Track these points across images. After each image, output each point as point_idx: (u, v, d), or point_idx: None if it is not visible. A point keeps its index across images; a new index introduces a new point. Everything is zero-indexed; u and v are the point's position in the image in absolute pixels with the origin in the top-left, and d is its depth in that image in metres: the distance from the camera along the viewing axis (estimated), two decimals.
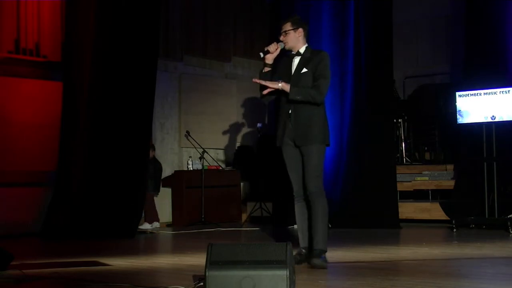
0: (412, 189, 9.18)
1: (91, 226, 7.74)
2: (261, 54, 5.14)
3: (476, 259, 5.58)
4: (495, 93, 7.66)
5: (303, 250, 5.27)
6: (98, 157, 7.97)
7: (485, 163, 7.80)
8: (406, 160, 10.03)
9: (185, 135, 9.42)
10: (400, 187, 8.90)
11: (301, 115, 5.12)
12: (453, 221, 7.69)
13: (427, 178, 9.17)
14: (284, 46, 5.19)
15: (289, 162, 5.26)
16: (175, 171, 9.65)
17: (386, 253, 5.96)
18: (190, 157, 9.80)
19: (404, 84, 11.26)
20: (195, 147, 9.49)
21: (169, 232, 8.62)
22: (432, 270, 4.94)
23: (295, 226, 5.42)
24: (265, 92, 5.13)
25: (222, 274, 3.84)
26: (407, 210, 8.70)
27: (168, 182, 9.57)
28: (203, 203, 9.32)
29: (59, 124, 8.27)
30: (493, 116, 7.66)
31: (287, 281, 3.80)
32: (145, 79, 8.02)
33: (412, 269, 5.10)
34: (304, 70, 5.13)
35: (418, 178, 9.21)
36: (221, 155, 10.52)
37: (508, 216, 7.45)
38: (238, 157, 10.57)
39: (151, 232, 8.51)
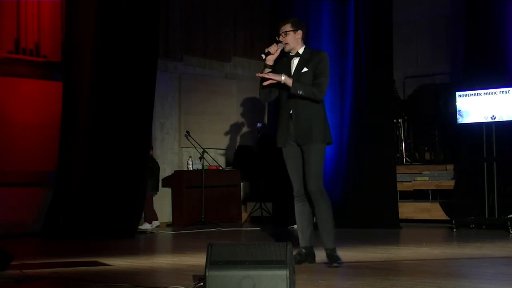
0: (412, 189, 9.18)
1: (91, 226, 7.74)
2: (263, 56, 5.18)
3: (476, 259, 5.58)
4: (495, 93, 7.66)
5: (303, 250, 5.28)
6: (98, 157, 7.97)
7: (485, 163, 7.80)
8: (406, 160, 10.03)
9: (185, 135, 9.42)
10: (400, 187, 8.90)
11: (303, 115, 5.15)
12: (453, 221, 7.69)
13: (427, 178, 9.17)
14: (284, 47, 5.22)
15: (290, 162, 5.28)
16: (175, 171, 9.65)
17: (386, 253, 5.96)
18: (190, 157, 9.80)
19: (404, 84, 11.26)
20: (195, 147, 9.49)
21: (169, 232, 8.62)
22: (432, 270, 4.94)
23: (295, 226, 5.43)
24: (265, 83, 5.16)
25: (222, 274, 3.84)
26: (407, 210, 8.70)
27: (168, 182, 9.57)
28: (203, 203, 9.32)
29: (59, 124, 8.27)
30: (493, 116, 7.66)
31: (287, 281, 3.80)
32: (145, 79, 8.03)
33: (412, 269, 5.10)
34: (305, 69, 5.17)
35: (418, 178, 9.21)
36: (221, 155, 10.52)
37: (508, 216, 7.45)
38: (238, 157, 10.57)
39: (151, 232, 8.51)
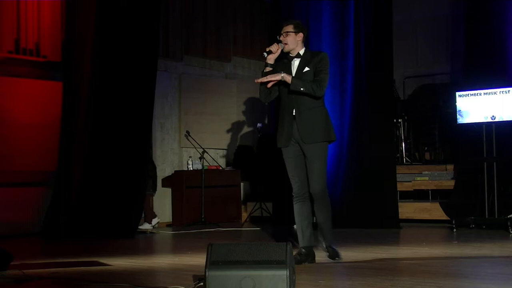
0: (412, 189, 9.18)
1: (91, 226, 7.74)
2: (265, 54, 5.26)
3: (476, 259, 5.59)
4: (495, 93, 7.66)
5: (303, 250, 5.29)
6: (98, 157, 7.97)
7: (485, 163, 7.80)
8: (406, 160, 10.04)
9: (185, 135, 9.42)
10: (400, 187, 8.90)
11: (306, 114, 5.22)
12: (453, 221, 7.69)
13: (427, 178, 9.17)
14: (284, 48, 5.29)
15: (291, 161, 5.32)
16: (175, 171, 9.65)
17: (386, 253, 5.96)
18: (190, 157, 9.80)
19: (404, 84, 11.26)
20: (195, 147, 9.49)
21: (169, 232, 8.61)
22: (432, 270, 4.94)
23: (295, 226, 5.44)
24: (269, 85, 5.24)
25: (222, 274, 3.84)
26: (407, 210, 8.70)
27: (168, 182, 9.57)
28: (203, 203, 9.32)
29: (59, 124, 8.27)
30: (493, 116, 7.66)
31: (287, 281, 3.80)
32: (145, 79, 8.02)
33: (412, 269, 5.10)
34: (307, 69, 5.25)
35: (418, 178, 9.21)
36: (221, 155, 10.52)
37: (508, 216, 7.45)
38: (238, 157, 10.57)
39: (151, 232, 8.51)
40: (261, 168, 9.97)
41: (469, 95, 7.83)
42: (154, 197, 9.19)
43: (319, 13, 8.74)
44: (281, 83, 5.24)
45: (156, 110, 8.90)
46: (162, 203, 9.45)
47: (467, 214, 8.00)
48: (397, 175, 8.61)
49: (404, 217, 8.54)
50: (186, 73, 10.04)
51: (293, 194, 5.35)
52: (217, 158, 10.18)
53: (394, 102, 9.38)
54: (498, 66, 8.33)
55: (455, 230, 7.57)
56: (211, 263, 3.88)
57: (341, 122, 8.48)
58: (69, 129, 8.21)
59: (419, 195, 9.26)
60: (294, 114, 5.24)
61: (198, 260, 5.44)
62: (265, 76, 5.24)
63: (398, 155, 9.92)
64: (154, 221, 8.88)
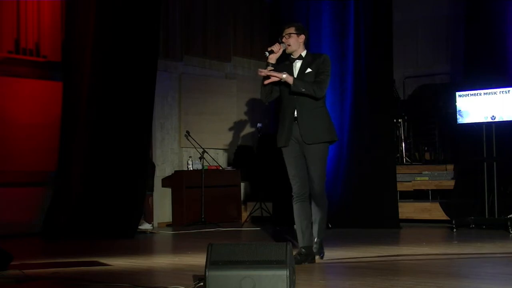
0: (412, 189, 9.17)
1: (91, 226, 7.74)
2: (267, 53, 5.31)
3: (476, 259, 5.59)
4: (495, 93, 7.66)
5: (303, 250, 5.29)
6: (98, 157, 7.97)
7: (485, 163, 7.80)
8: (406, 160, 10.03)
9: (185, 135, 9.42)
10: (400, 187, 8.90)
11: (308, 115, 5.27)
12: (453, 221, 7.69)
13: (427, 178, 9.17)
14: (286, 48, 5.35)
15: (292, 160, 5.36)
16: (175, 171, 9.65)
17: (386, 253, 5.96)
18: (190, 157, 9.80)
19: (404, 84, 11.26)
20: (195, 147, 9.49)
21: (169, 232, 8.61)
22: (432, 270, 4.94)
23: (295, 226, 5.46)
24: (266, 81, 5.27)
25: (222, 274, 3.84)
26: (407, 210, 8.70)
27: (168, 182, 9.56)
28: (203, 203, 9.32)
29: (59, 124, 8.27)
30: (493, 116, 7.66)
31: (287, 281, 3.80)
32: (145, 79, 8.02)
33: (412, 269, 5.11)
34: (309, 70, 5.31)
35: (418, 178, 9.21)
36: (221, 155, 10.52)
37: (508, 216, 7.45)
38: (238, 157, 10.57)
39: (151, 232, 8.50)
40: (261, 168, 9.97)
41: (469, 95, 7.83)
42: (153, 197, 9.19)
43: (319, 13, 8.74)
44: (282, 83, 5.29)
45: (156, 110, 8.90)
46: (162, 203, 9.45)
47: (467, 214, 8.00)
48: (397, 175, 8.61)
49: (404, 217, 8.54)
50: (186, 73, 10.04)
51: (293, 194, 5.38)
52: (217, 158, 10.18)
53: (394, 102, 9.38)
54: (498, 66, 8.33)
55: (455, 230, 7.57)
56: (211, 263, 3.89)
57: (341, 122, 8.48)
58: (69, 129, 8.20)
59: (419, 195, 9.25)
60: (295, 115, 5.29)
61: (198, 260, 5.44)
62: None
63: (398, 155, 9.92)
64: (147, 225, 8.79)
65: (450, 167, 9.20)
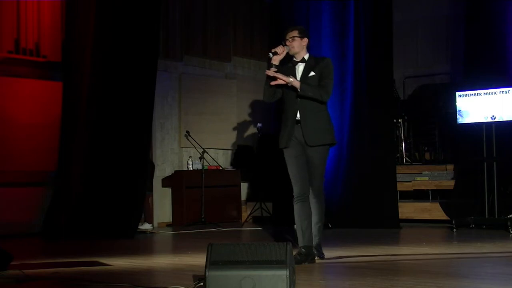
0: (412, 189, 9.17)
1: (91, 226, 7.74)
2: (270, 55, 5.38)
3: (476, 259, 5.59)
4: (495, 93, 7.66)
5: (303, 250, 5.31)
6: (98, 157, 7.97)
7: (485, 163, 7.80)
8: (406, 160, 10.03)
9: (185, 135, 9.42)
10: (400, 187, 8.90)
11: (311, 118, 5.36)
12: (453, 221, 7.69)
13: (427, 178, 9.17)
14: (289, 50, 5.44)
15: (294, 160, 5.42)
16: (175, 171, 9.65)
17: (386, 253, 5.96)
18: (190, 157, 9.80)
19: (404, 84, 11.26)
20: (195, 147, 9.49)
21: (169, 232, 8.61)
22: (432, 270, 4.94)
23: (295, 226, 5.47)
24: (273, 82, 5.34)
25: (222, 274, 3.84)
26: (407, 210, 8.70)
27: (168, 182, 9.56)
28: (203, 203, 9.32)
29: (59, 124, 8.27)
30: (493, 116, 7.66)
31: (287, 281, 3.81)
32: (145, 79, 8.02)
33: (412, 269, 5.11)
34: (312, 73, 5.40)
35: (418, 178, 9.21)
36: (221, 155, 10.51)
37: (508, 216, 7.45)
38: (238, 157, 10.57)
39: (151, 232, 8.51)
40: (261, 168, 9.97)
41: (469, 95, 7.83)
42: (153, 198, 9.18)
43: (319, 13, 8.74)
44: (287, 86, 5.37)
45: (156, 110, 8.90)
46: (162, 203, 9.45)
47: (467, 214, 8.00)
48: (397, 175, 8.61)
49: (404, 217, 8.54)
50: (186, 73, 10.04)
51: (294, 195, 5.42)
52: (217, 158, 10.17)
53: (394, 102, 9.38)
54: (498, 66, 8.33)
55: (455, 230, 7.57)
56: (211, 263, 3.89)
57: (341, 122, 8.48)
58: (69, 129, 8.20)
59: (419, 195, 9.25)
60: (298, 117, 5.38)
61: (198, 260, 5.44)
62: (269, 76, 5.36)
63: (398, 155, 9.92)
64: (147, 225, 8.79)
65: (450, 167, 9.20)
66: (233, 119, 10.63)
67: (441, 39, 11.11)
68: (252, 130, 10.67)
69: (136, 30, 8.04)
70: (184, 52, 9.93)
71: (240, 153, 10.59)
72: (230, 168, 10.37)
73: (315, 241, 5.44)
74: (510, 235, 7.14)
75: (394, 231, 7.96)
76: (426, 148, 10.43)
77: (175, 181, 9.51)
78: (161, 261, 5.91)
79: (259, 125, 9.84)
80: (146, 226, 8.72)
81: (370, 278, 4.52)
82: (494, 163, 7.71)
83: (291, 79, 5.29)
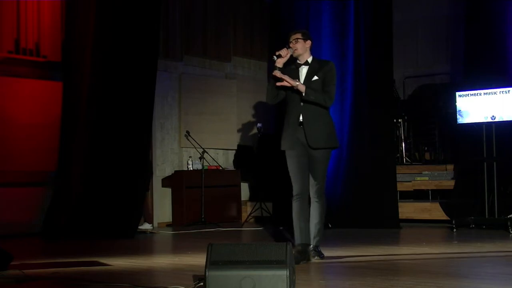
0: (412, 189, 9.18)
1: (91, 226, 7.73)
2: (275, 57, 5.44)
3: (476, 259, 5.59)
4: (495, 93, 7.66)
5: (299, 247, 5.38)
6: (98, 157, 7.97)
7: (485, 163, 7.80)
8: (406, 160, 10.03)
9: (185, 135, 9.42)
10: (400, 187, 8.90)
11: (314, 121, 5.42)
12: (453, 221, 7.69)
13: (427, 178, 9.17)
14: (293, 52, 5.49)
15: (296, 160, 5.46)
16: (175, 171, 9.65)
17: (386, 253, 5.96)
18: (190, 157, 9.80)
19: (404, 84, 11.26)
20: (195, 147, 9.49)
21: (169, 232, 8.61)
22: (432, 270, 4.94)
23: (293, 224, 5.50)
24: (278, 83, 5.40)
25: (222, 274, 3.84)
26: (407, 210, 8.70)
27: (168, 182, 9.56)
28: (203, 203, 9.32)
29: (59, 124, 8.27)
30: (493, 116, 7.66)
31: (287, 281, 3.81)
32: (145, 79, 8.02)
33: (412, 269, 5.11)
34: (315, 77, 5.45)
35: (418, 178, 9.21)
36: (221, 155, 10.51)
37: (508, 216, 7.45)
38: (238, 157, 10.57)
39: (151, 232, 8.51)
40: (261, 168, 9.97)
41: (469, 95, 7.83)
42: (153, 197, 9.18)
43: (319, 13, 8.74)
44: (290, 88, 5.41)
45: (156, 110, 8.90)
46: (162, 203, 9.45)
47: (467, 214, 8.00)
48: (397, 175, 8.61)
49: (404, 217, 8.54)
50: (186, 73, 10.04)
51: (293, 193, 5.46)
52: (217, 158, 10.17)
53: (394, 102, 9.38)
54: (498, 66, 8.33)
55: (455, 230, 7.57)
56: (211, 263, 3.89)
57: (341, 122, 8.48)
58: (69, 129, 8.20)
59: (419, 195, 9.25)
60: (301, 120, 5.42)
61: (198, 260, 5.44)
62: (273, 78, 5.41)
63: (398, 155, 9.92)
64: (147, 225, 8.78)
65: (450, 167, 9.21)
66: (233, 119, 10.63)
67: (441, 39, 11.11)
68: (252, 130, 10.67)
69: (136, 30, 8.04)
70: (184, 52, 9.93)
71: (240, 153, 10.59)
72: (230, 168, 10.37)
73: (315, 242, 5.47)
74: (510, 235, 7.14)
75: (394, 231, 7.96)
76: (426, 148, 10.43)
77: (175, 181, 9.51)
78: (161, 261, 5.91)
79: (259, 125, 9.83)
80: (146, 226, 8.72)
81: (370, 278, 4.52)
82: (494, 163, 7.71)
83: (297, 83, 5.35)
